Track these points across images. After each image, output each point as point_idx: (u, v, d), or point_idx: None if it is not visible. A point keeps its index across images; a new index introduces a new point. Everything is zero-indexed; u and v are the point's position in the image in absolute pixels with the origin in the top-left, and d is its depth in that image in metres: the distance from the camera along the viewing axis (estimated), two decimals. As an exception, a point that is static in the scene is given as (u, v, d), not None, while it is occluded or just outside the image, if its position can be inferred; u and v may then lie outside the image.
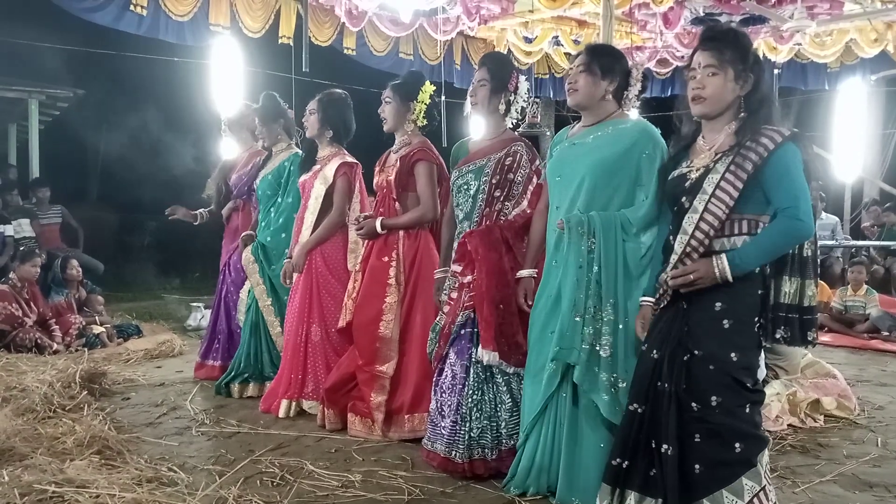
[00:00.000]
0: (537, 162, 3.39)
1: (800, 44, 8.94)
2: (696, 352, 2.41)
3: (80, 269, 6.84)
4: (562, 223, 2.86)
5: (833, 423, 4.10)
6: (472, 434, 3.19)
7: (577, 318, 2.78)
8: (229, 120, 5.23)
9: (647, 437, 2.47)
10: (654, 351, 2.50)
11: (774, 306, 2.43)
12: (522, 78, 3.45)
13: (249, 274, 4.63)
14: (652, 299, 2.62)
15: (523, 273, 3.18)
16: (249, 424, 4.02)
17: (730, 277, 2.34)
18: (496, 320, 3.17)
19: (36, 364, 5.15)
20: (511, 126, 3.46)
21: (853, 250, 8.83)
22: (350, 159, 4.30)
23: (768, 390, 4.05)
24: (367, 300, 3.80)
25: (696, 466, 2.39)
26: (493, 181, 3.33)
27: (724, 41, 2.43)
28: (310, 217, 4.28)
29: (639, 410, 2.50)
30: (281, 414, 4.16)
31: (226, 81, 7.39)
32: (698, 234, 2.41)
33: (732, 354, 2.37)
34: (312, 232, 4.26)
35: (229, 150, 5.56)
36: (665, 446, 2.42)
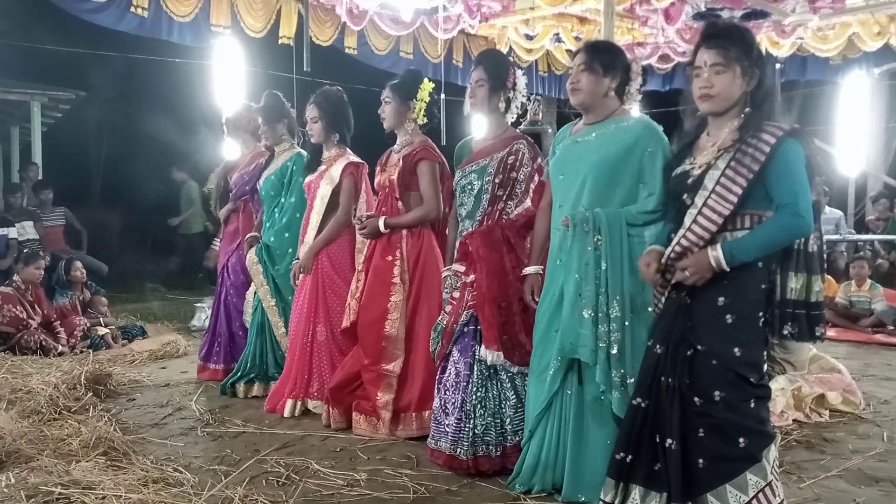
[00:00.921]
0: (539, 160, 3.39)
1: (802, 38, 8.91)
2: (698, 347, 2.41)
3: (83, 271, 6.85)
4: (566, 220, 2.85)
5: (838, 418, 4.10)
6: (476, 431, 3.20)
7: (587, 315, 2.77)
8: (228, 120, 5.23)
9: (651, 431, 2.47)
10: (658, 346, 2.50)
11: (781, 302, 2.43)
12: (520, 73, 3.45)
13: (253, 275, 4.63)
14: (660, 246, 2.57)
15: (529, 270, 3.18)
16: (254, 424, 4.03)
17: (725, 266, 2.34)
18: (498, 320, 3.17)
19: (41, 366, 5.16)
20: (511, 122, 3.45)
21: (857, 244, 8.81)
22: (356, 159, 4.30)
23: (773, 385, 4.03)
24: (371, 299, 3.80)
25: (700, 461, 2.39)
26: (497, 180, 3.33)
27: (729, 38, 2.43)
28: (315, 217, 4.28)
29: (642, 405, 2.50)
30: (286, 413, 4.17)
31: (227, 82, 7.39)
32: (696, 229, 2.41)
33: (735, 350, 2.37)
34: (318, 232, 4.26)
35: (232, 150, 5.56)
36: (669, 441, 2.42)
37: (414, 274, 3.79)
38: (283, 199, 4.66)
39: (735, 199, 2.37)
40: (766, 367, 2.50)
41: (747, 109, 2.44)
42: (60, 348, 5.94)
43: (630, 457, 2.50)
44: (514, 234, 3.31)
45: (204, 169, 6.11)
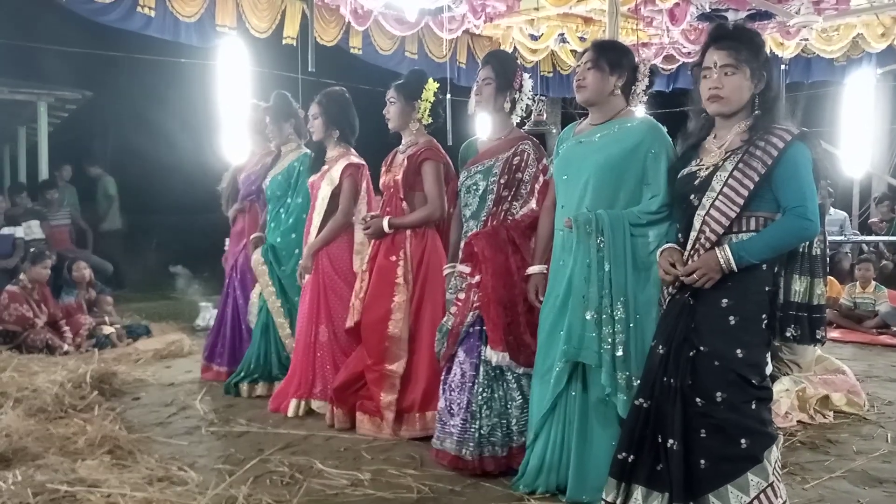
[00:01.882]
0: (544, 160, 3.39)
1: (806, 39, 8.89)
2: (701, 348, 2.41)
3: (88, 271, 6.87)
4: (569, 221, 2.85)
5: (842, 419, 4.10)
6: (482, 431, 3.20)
7: (589, 316, 2.76)
8: (249, 125, 5.22)
9: (654, 431, 2.48)
10: (661, 346, 2.51)
11: (784, 305, 2.45)
12: (526, 75, 3.45)
13: (259, 276, 4.64)
14: (675, 245, 2.56)
15: (533, 269, 3.18)
16: (259, 424, 4.04)
17: (734, 267, 2.35)
18: (503, 321, 3.18)
19: (47, 365, 5.18)
20: (515, 123, 3.46)
21: (862, 246, 8.78)
22: (356, 160, 4.31)
23: (777, 386, 4.04)
24: (375, 300, 3.81)
25: (702, 461, 2.39)
26: (502, 181, 3.34)
27: (740, 40, 2.44)
28: (317, 218, 4.29)
29: (644, 405, 2.51)
30: (290, 413, 4.18)
31: (232, 82, 7.41)
32: (706, 230, 2.42)
33: (738, 351, 2.38)
34: (318, 233, 4.27)
35: (238, 150, 5.58)
36: (670, 441, 2.42)
37: (418, 274, 3.80)
38: (289, 200, 4.66)
39: (741, 201, 2.38)
40: (768, 368, 2.50)
41: (756, 112, 2.44)
42: (66, 347, 5.97)
43: (632, 457, 2.50)
44: (519, 234, 3.31)
45: (211, 168, 6.13)
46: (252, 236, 4.86)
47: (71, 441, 3.48)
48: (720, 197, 2.40)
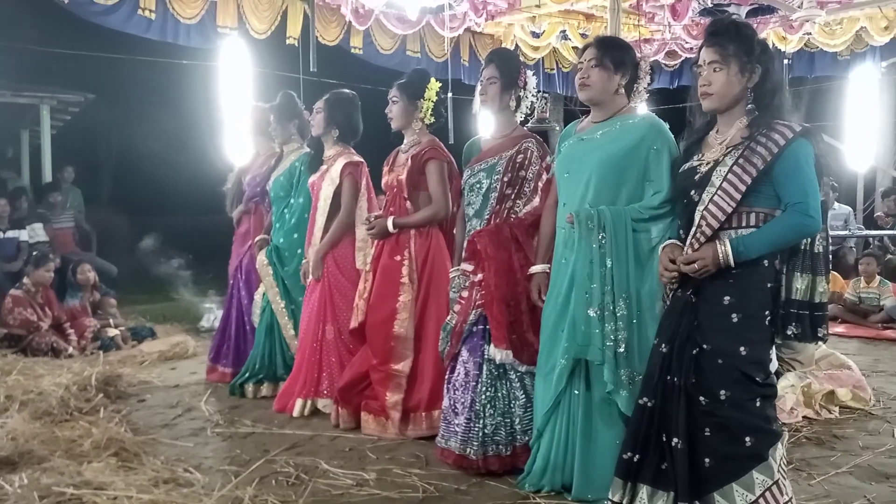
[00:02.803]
0: (548, 158, 3.38)
1: (809, 33, 8.87)
2: (704, 346, 2.41)
3: (92, 273, 6.89)
4: (571, 217, 2.84)
5: (848, 415, 4.08)
6: (486, 431, 3.20)
7: (593, 314, 2.76)
8: (252, 125, 5.22)
9: (658, 430, 2.48)
10: (664, 345, 2.50)
11: (786, 303, 2.45)
12: (530, 73, 3.44)
13: (263, 277, 4.65)
14: (676, 241, 2.57)
15: (535, 269, 3.18)
16: (264, 424, 4.04)
17: (731, 262, 2.35)
18: (507, 319, 3.17)
19: (52, 367, 5.19)
20: (520, 121, 3.45)
21: (868, 240, 8.75)
22: (355, 158, 4.31)
23: (783, 382, 4.04)
24: (380, 299, 3.81)
25: (706, 460, 2.39)
26: (505, 179, 3.33)
27: (726, 35, 2.44)
28: (320, 219, 4.29)
29: (649, 404, 2.50)
30: (296, 413, 4.18)
31: (234, 83, 7.41)
32: (703, 226, 2.42)
33: (741, 348, 2.37)
34: (324, 233, 4.27)
35: (240, 151, 5.57)
36: (675, 440, 2.42)
37: (423, 273, 3.80)
38: (291, 200, 4.67)
39: (738, 196, 2.37)
40: (773, 365, 2.50)
41: (750, 106, 2.44)
42: (71, 350, 5.98)
43: (637, 456, 2.50)
44: (523, 232, 3.31)
45: (214, 169, 6.13)
46: (257, 238, 4.86)
47: (76, 444, 3.49)
48: (719, 192, 2.40)
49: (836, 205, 8.80)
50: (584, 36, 8.71)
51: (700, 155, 2.54)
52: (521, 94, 3.40)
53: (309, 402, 4.20)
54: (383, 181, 3.97)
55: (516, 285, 3.22)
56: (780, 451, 2.42)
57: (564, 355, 2.87)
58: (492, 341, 3.21)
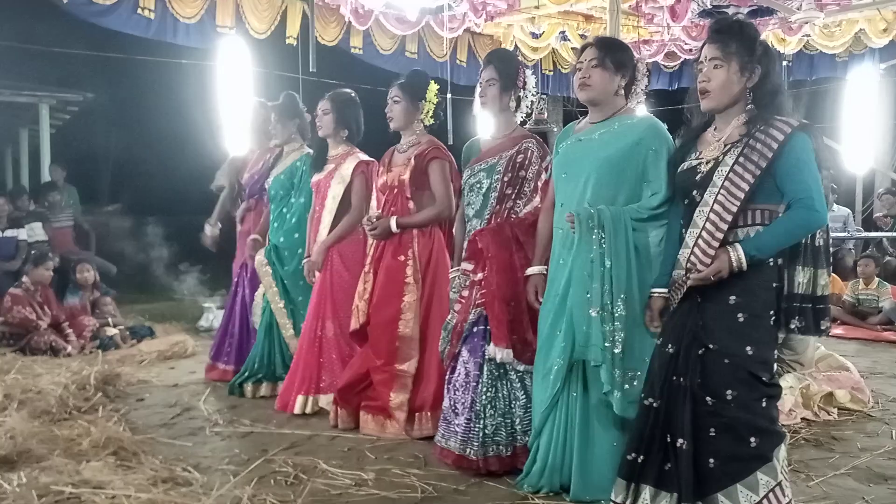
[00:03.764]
0: (548, 158, 3.38)
1: (808, 35, 8.88)
2: (710, 346, 2.41)
3: (91, 272, 6.89)
4: (571, 216, 2.84)
5: (847, 416, 4.09)
6: (486, 431, 3.20)
7: (594, 314, 2.76)
8: (251, 122, 5.23)
9: (662, 431, 2.47)
10: (669, 345, 2.50)
11: (788, 296, 2.44)
12: (529, 73, 3.44)
13: (262, 277, 4.64)
14: (662, 290, 2.62)
15: (532, 270, 3.17)
16: (263, 424, 4.04)
17: (745, 266, 2.34)
18: (507, 318, 3.17)
19: (51, 366, 5.18)
20: (520, 122, 3.45)
21: (866, 242, 8.76)
22: (365, 157, 4.31)
23: (781, 384, 4.02)
24: (384, 300, 3.80)
25: (711, 461, 2.39)
26: (506, 179, 3.33)
27: (729, 33, 2.44)
28: (328, 216, 4.29)
29: (654, 405, 2.50)
30: (297, 410, 4.18)
31: (233, 82, 7.41)
32: (709, 227, 2.41)
33: (748, 348, 2.37)
34: (331, 231, 4.27)
35: (238, 147, 5.57)
36: (680, 440, 2.42)
37: (426, 273, 3.80)
38: (292, 200, 4.67)
39: (742, 195, 2.37)
40: (776, 366, 2.50)
41: (749, 106, 2.44)
42: (70, 349, 5.97)
43: (641, 457, 2.50)
44: (523, 232, 3.31)
45: (213, 168, 6.14)
46: (249, 238, 4.85)
47: (75, 443, 3.48)
48: (721, 191, 2.39)
49: (835, 206, 8.80)
50: (583, 37, 8.72)
51: (698, 153, 2.54)
52: (521, 94, 3.39)
53: (310, 399, 4.20)
54: (380, 181, 3.96)
55: (517, 284, 3.21)
56: (783, 452, 2.42)
57: (562, 356, 2.87)
58: (492, 340, 3.21)
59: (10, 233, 7.23)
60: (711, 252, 2.41)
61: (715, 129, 2.53)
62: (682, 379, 2.44)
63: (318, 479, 3.20)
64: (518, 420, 3.21)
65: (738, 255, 2.35)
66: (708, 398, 2.39)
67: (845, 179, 10.38)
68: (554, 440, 2.96)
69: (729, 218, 2.39)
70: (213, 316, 7.17)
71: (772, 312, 2.42)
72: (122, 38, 7.33)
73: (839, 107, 10.10)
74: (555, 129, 10.01)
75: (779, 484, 2.37)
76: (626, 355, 2.74)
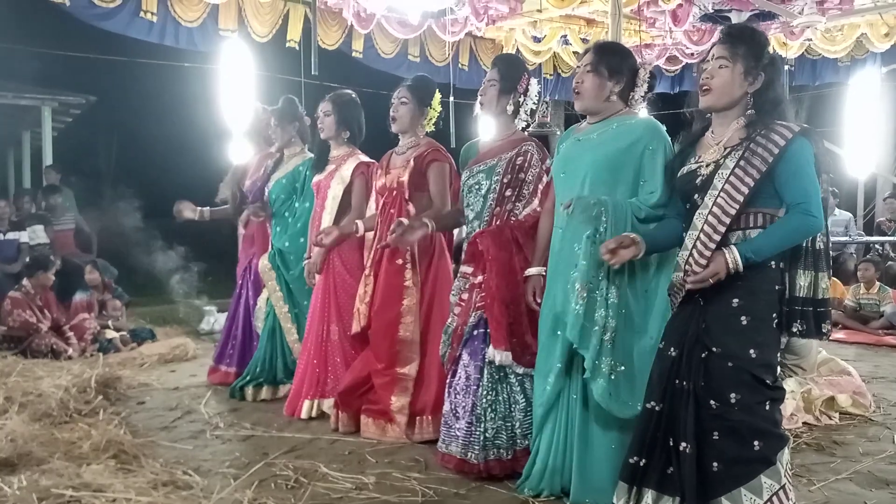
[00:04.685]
0: (548, 161, 3.39)
1: (810, 39, 8.88)
2: (714, 349, 2.40)
3: (97, 274, 6.92)
4: (570, 203, 2.78)
5: (848, 421, 4.08)
6: (487, 435, 3.19)
7: (579, 287, 2.72)
8: (250, 126, 5.23)
9: (665, 434, 2.47)
10: (672, 349, 2.50)
11: (790, 300, 2.44)
12: (534, 81, 3.44)
13: (266, 281, 4.64)
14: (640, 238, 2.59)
15: (531, 271, 3.16)
16: (263, 427, 4.04)
17: (741, 268, 2.35)
18: (507, 320, 3.17)
19: (52, 369, 5.18)
20: (521, 128, 3.46)
21: (869, 245, 8.75)
22: (366, 159, 4.30)
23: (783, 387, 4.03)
24: (384, 304, 3.79)
25: (715, 464, 2.38)
26: (505, 181, 3.34)
27: (740, 37, 2.46)
28: (327, 217, 4.29)
29: (656, 408, 2.50)
30: (304, 415, 4.17)
31: (235, 85, 7.42)
32: (707, 229, 2.41)
33: (751, 351, 2.37)
34: None
35: (240, 154, 5.57)
36: (683, 444, 2.41)
37: (427, 277, 3.80)
38: (296, 204, 4.66)
39: (742, 199, 2.37)
40: (779, 369, 2.50)
41: (750, 111, 2.45)
42: (71, 352, 5.98)
43: (643, 461, 2.49)
44: (523, 234, 3.30)
45: (215, 171, 6.15)
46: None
47: (76, 446, 3.48)
48: (721, 194, 2.40)
49: (837, 211, 8.80)
50: (585, 41, 8.72)
51: (698, 157, 2.54)
52: (521, 99, 3.39)
53: (316, 403, 4.19)
54: (378, 184, 3.95)
55: (516, 287, 3.21)
56: (786, 455, 2.42)
57: (561, 359, 2.87)
58: (491, 343, 3.20)
59: (11, 235, 7.24)
60: (707, 254, 2.41)
61: (712, 132, 2.54)
62: (684, 382, 2.44)
63: (319, 482, 3.20)
64: (518, 423, 3.20)
65: (734, 256, 2.36)
66: (711, 401, 2.39)
67: (847, 184, 10.39)
68: (554, 442, 2.96)
69: (727, 221, 2.40)
70: (214, 319, 7.17)
71: (774, 315, 2.43)
72: (124, 41, 7.35)
73: (841, 111, 10.10)
74: (557, 133, 9.97)
75: (782, 487, 2.37)
76: (615, 345, 2.72)
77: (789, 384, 4.11)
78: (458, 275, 3.45)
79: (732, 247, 2.38)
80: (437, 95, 3.88)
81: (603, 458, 2.82)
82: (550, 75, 10.29)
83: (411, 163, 3.78)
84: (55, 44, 8.98)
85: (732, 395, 2.37)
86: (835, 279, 7.14)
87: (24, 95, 9.60)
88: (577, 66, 2.97)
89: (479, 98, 3.45)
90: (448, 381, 3.42)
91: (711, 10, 7.85)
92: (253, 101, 5.71)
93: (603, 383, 2.71)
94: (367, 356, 3.90)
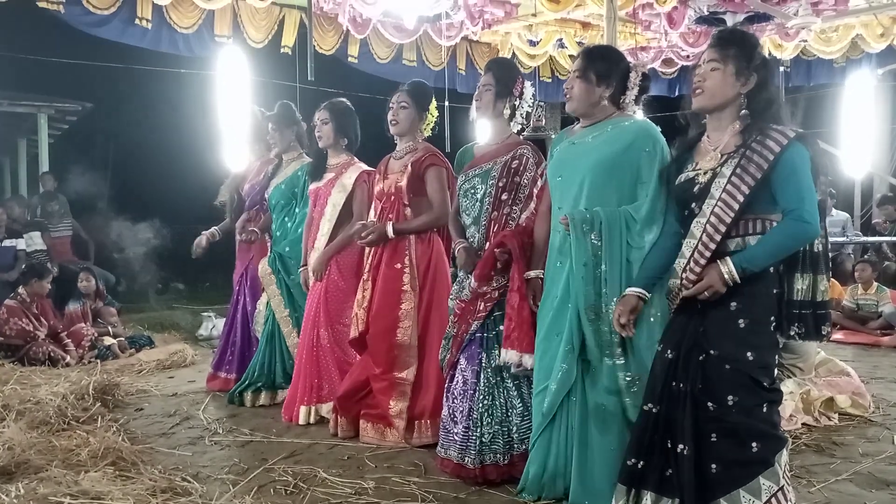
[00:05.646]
0: (543, 165, 3.39)
1: (805, 40, 8.90)
2: (711, 351, 2.41)
3: (92, 282, 6.89)
4: (566, 219, 2.84)
5: (848, 422, 4.08)
6: (483, 439, 3.19)
7: (592, 316, 2.76)
8: (250, 132, 5.23)
9: (663, 437, 2.47)
10: (669, 351, 2.50)
11: (788, 303, 2.45)
12: (528, 84, 3.45)
13: (266, 285, 4.65)
14: (638, 290, 2.62)
15: (530, 274, 3.15)
16: (262, 433, 4.03)
17: (738, 279, 2.35)
18: (531, 323, 3.10)
19: (49, 377, 5.18)
20: (517, 131, 3.46)
21: (866, 246, 8.76)
22: (367, 168, 4.31)
23: (782, 389, 4.02)
24: (382, 309, 3.79)
25: (713, 466, 2.38)
26: (500, 184, 3.34)
27: (730, 39, 2.47)
28: (326, 224, 4.29)
29: (654, 410, 2.50)
30: (301, 420, 4.17)
31: (232, 91, 7.42)
32: (705, 239, 2.42)
33: (748, 354, 2.37)
34: (330, 239, 4.27)
35: (238, 159, 5.57)
36: (681, 446, 2.42)
37: (425, 281, 3.79)
38: (295, 209, 4.67)
39: (738, 206, 2.38)
40: (776, 371, 2.50)
41: (744, 112, 2.45)
42: (68, 359, 5.96)
43: (642, 463, 2.50)
44: (528, 238, 3.30)
45: (211, 177, 6.15)
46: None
47: (74, 453, 3.47)
48: (719, 203, 2.40)
49: (834, 211, 8.81)
50: (580, 44, 8.73)
51: (695, 164, 2.54)
52: (516, 103, 3.40)
53: (313, 409, 4.19)
54: (376, 189, 3.95)
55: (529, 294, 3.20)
56: (785, 456, 2.42)
57: (565, 360, 2.87)
58: (515, 347, 3.11)
59: (8, 242, 7.23)
60: (703, 262, 2.41)
61: (707, 137, 2.54)
62: (682, 384, 2.44)
63: (318, 487, 3.19)
64: (515, 428, 3.19)
65: (728, 268, 2.36)
66: (709, 403, 2.39)
67: (844, 184, 10.40)
68: (555, 445, 2.95)
69: (723, 229, 2.40)
70: (212, 325, 7.16)
71: (772, 318, 2.43)
72: (120, 48, 7.36)
73: (837, 112, 10.12)
74: (553, 136, 9.99)
75: (781, 489, 2.37)
76: (626, 359, 2.74)
77: (788, 385, 4.11)
78: (457, 279, 3.44)
79: (728, 259, 2.37)
80: (434, 101, 3.90)
81: (601, 461, 2.82)
82: (548, 78, 10.30)
83: (409, 168, 3.78)
84: (51, 51, 8.98)
85: (730, 397, 2.37)
86: (833, 280, 7.14)
87: (20, 102, 9.60)
88: (570, 72, 3.00)
89: (474, 102, 3.46)
90: (446, 385, 3.42)
91: (706, 13, 7.87)
92: (250, 106, 5.72)
93: (629, 400, 2.74)
94: (365, 360, 3.89)
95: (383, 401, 3.77)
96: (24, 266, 6.89)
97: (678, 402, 2.44)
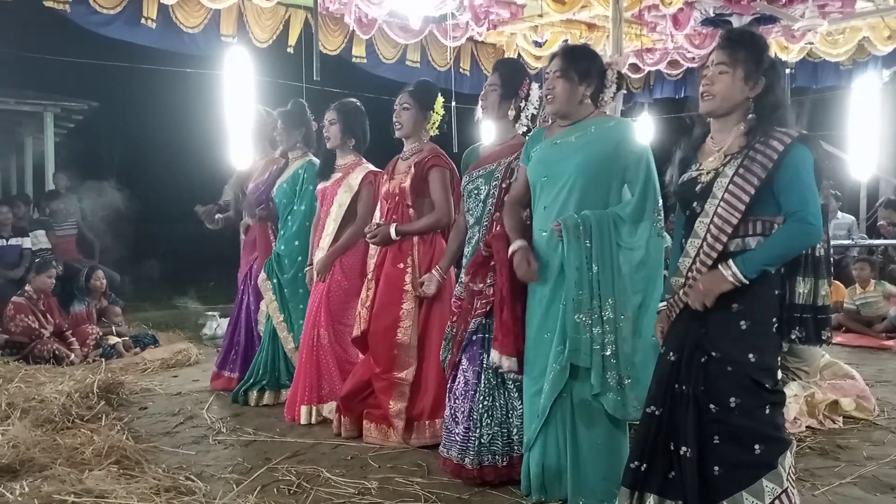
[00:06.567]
0: (520, 160, 3.37)
1: (812, 43, 8.88)
2: (713, 353, 2.40)
3: (104, 281, 6.92)
4: (558, 225, 2.84)
5: (852, 425, 4.07)
6: (482, 440, 3.18)
7: (580, 319, 2.79)
8: (253, 130, 5.23)
9: (666, 439, 2.47)
10: (672, 353, 2.49)
11: (789, 307, 2.44)
12: (535, 86, 3.44)
13: (264, 292, 4.67)
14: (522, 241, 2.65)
15: (516, 245, 3.00)
16: (266, 432, 4.03)
17: (744, 281, 2.35)
18: (516, 326, 3.10)
19: (54, 375, 5.19)
20: (522, 133, 3.45)
21: (871, 248, 8.73)
22: (374, 168, 4.31)
23: (786, 392, 4.01)
24: (383, 308, 3.80)
25: (716, 468, 2.38)
26: (504, 185, 3.34)
27: (739, 41, 2.45)
28: (332, 224, 4.29)
29: (656, 413, 2.49)
30: (302, 420, 4.18)
31: (237, 91, 7.43)
32: (710, 239, 2.42)
33: (750, 355, 2.37)
34: (335, 239, 4.27)
35: (243, 158, 5.58)
36: (684, 448, 2.41)
37: None
38: (294, 207, 4.67)
39: (743, 207, 2.37)
40: (779, 373, 2.49)
41: (751, 115, 2.44)
42: (73, 357, 5.98)
43: (645, 465, 2.49)
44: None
45: (217, 177, 6.16)
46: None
47: (78, 451, 3.48)
48: (722, 203, 2.39)
49: (840, 214, 8.78)
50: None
51: (698, 164, 2.54)
52: (522, 104, 3.39)
53: (314, 409, 4.19)
54: (383, 189, 3.96)
55: (523, 295, 3.19)
56: (789, 459, 2.41)
57: (557, 360, 2.87)
58: (497, 348, 3.11)
59: (13, 241, 7.25)
60: (709, 262, 2.41)
61: (712, 138, 2.54)
62: (684, 387, 2.44)
63: (322, 487, 3.20)
64: (515, 430, 3.18)
65: (733, 271, 2.34)
66: (711, 406, 2.39)
67: (849, 187, 10.36)
68: (556, 445, 2.95)
69: (729, 230, 2.40)
70: (216, 324, 7.17)
71: (774, 320, 2.42)
72: (126, 47, 7.37)
73: (843, 114, 10.08)
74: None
75: (784, 491, 2.36)
76: (617, 357, 2.77)
77: (793, 388, 4.10)
78: (459, 280, 3.44)
79: (730, 262, 2.36)
80: (440, 99, 3.88)
81: (591, 457, 2.85)
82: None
83: (412, 169, 3.79)
84: (57, 50, 9.00)
85: (732, 399, 2.37)
86: (837, 282, 7.12)
87: (26, 101, 9.62)
88: (546, 72, 2.98)
89: (480, 103, 3.46)
90: (448, 385, 3.42)
91: (712, 14, 7.85)
92: (255, 105, 5.72)
93: (613, 396, 2.76)
94: (367, 360, 3.90)
95: (384, 401, 3.77)
96: (28, 264, 6.92)
97: (681, 404, 2.44)
